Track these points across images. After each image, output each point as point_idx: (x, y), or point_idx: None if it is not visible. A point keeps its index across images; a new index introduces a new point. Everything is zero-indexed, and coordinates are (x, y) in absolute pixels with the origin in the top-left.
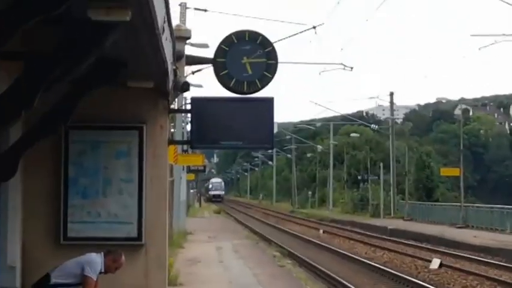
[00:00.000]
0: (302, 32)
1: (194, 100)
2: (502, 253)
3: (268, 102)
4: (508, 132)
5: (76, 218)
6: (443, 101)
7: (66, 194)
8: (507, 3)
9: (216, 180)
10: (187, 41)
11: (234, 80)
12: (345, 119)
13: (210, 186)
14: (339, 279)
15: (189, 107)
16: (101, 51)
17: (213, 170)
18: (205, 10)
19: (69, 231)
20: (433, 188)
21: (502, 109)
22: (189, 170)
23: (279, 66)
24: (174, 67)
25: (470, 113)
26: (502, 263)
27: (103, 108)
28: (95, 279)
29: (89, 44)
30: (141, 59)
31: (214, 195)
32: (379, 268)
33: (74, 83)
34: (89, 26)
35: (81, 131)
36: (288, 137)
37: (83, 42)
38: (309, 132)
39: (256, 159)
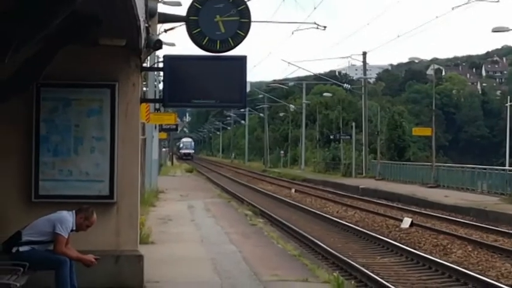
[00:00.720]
0: None
1: (167, 58)
2: (473, 212)
3: (241, 60)
4: (480, 92)
5: (47, 176)
6: (416, 61)
7: (38, 151)
8: None
9: (187, 139)
10: None
11: (206, 38)
12: (318, 78)
13: (181, 145)
14: (311, 237)
15: (161, 65)
16: (73, 6)
17: (185, 129)
18: None
19: (41, 189)
20: (404, 147)
21: (474, 69)
22: (161, 129)
23: (252, 24)
24: (147, 25)
25: (443, 73)
26: (472, 222)
27: (75, 65)
28: (66, 237)
29: None
30: (113, 15)
31: (184, 154)
32: (351, 227)
33: (47, 40)
34: None
35: (53, 88)
36: (260, 96)
37: None
38: (282, 91)
39: (229, 118)
